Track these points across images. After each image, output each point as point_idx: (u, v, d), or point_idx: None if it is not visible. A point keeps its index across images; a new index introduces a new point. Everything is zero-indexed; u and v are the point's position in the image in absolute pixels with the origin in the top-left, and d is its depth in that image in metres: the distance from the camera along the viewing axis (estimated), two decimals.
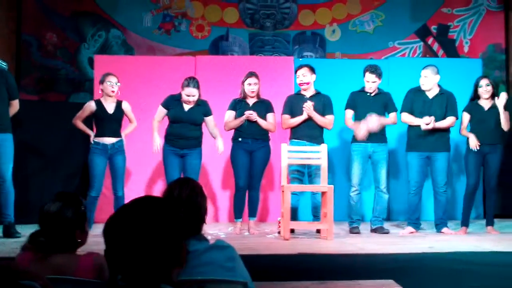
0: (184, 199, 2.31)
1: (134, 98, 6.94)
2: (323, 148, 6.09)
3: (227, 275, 2.24)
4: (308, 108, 6.19)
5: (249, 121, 6.19)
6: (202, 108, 6.15)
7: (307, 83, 6.34)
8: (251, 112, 6.16)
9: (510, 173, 7.53)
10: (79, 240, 2.35)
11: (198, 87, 6.09)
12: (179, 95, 6.12)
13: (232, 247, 2.34)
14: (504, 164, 6.50)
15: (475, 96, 6.38)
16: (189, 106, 6.11)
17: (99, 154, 6.02)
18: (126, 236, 1.46)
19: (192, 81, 6.08)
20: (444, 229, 6.24)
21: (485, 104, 6.34)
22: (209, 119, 6.19)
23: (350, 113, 6.44)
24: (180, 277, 2.07)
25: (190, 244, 2.13)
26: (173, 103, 6.14)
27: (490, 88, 6.32)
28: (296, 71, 6.48)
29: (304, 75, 6.33)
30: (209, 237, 2.36)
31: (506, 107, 6.25)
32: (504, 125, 6.25)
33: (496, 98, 6.30)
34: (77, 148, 7.05)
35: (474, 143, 6.23)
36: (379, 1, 9.07)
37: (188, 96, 6.06)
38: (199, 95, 6.12)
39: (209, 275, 2.21)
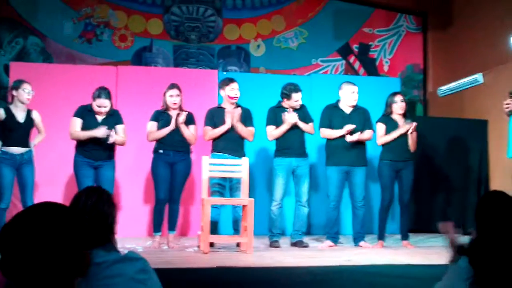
0: (90, 207, 2.22)
1: (50, 107, 6.71)
2: (244, 161, 6.08)
3: (138, 287, 2.17)
4: (237, 115, 6.18)
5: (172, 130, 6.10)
6: (114, 118, 6.02)
7: (237, 98, 6.35)
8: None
9: (423, 189, 7.79)
10: None
11: (109, 98, 5.95)
12: (91, 105, 5.97)
13: (145, 259, 2.27)
14: (416, 179, 6.69)
15: (389, 112, 6.51)
16: (102, 117, 5.97)
17: (6, 164, 5.74)
18: (22, 244, 1.36)
19: (103, 92, 5.91)
20: (362, 243, 6.34)
21: (399, 120, 6.46)
22: (119, 128, 6.02)
23: (272, 128, 6.42)
24: None
25: (97, 255, 2.04)
26: (85, 113, 5.97)
27: (404, 104, 6.49)
28: (228, 84, 6.38)
29: (238, 89, 6.33)
30: (125, 251, 2.27)
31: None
32: (411, 146, 6.40)
33: (406, 120, 6.45)
34: None
35: (408, 125, 6.32)
36: (303, 18, 9.22)
37: (100, 107, 5.91)
38: (111, 105, 6.00)
39: (119, 287, 2.14)
